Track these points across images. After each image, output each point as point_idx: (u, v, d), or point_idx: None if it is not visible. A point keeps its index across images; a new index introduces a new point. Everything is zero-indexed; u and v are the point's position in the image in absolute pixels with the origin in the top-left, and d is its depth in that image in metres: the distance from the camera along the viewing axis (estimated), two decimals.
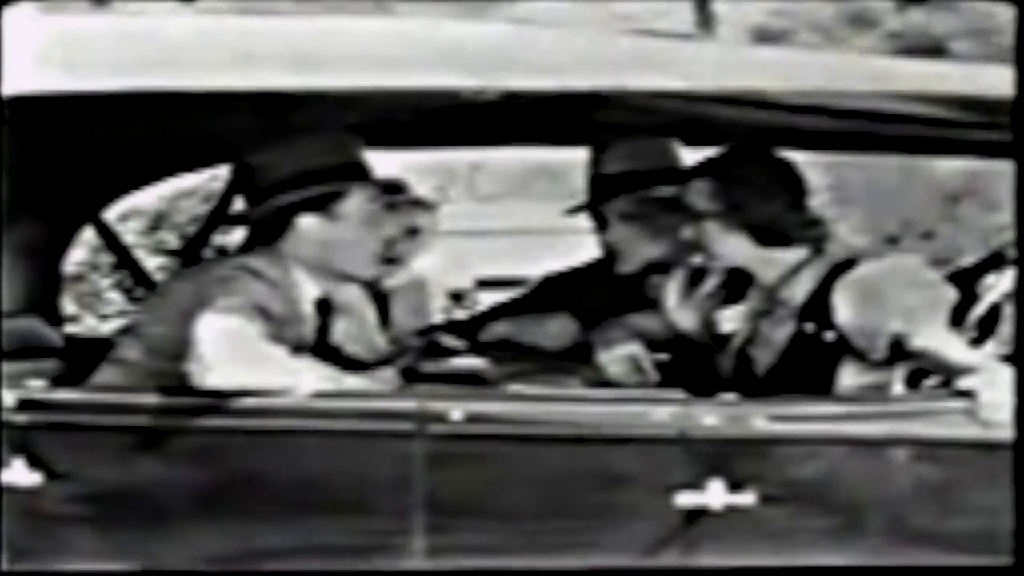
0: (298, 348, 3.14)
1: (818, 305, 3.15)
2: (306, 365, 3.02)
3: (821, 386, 3.12)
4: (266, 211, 3.21)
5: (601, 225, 3.87)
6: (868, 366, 3.12)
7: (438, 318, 4.36)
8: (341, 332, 3.75)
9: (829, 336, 3.13)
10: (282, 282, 3.17)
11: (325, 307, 3.35)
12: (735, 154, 3.28)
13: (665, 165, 3.78)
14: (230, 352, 2.87)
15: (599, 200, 3.84)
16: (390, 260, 4.11)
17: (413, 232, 4.13)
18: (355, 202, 3.26)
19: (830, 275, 3.16)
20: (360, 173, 3.28)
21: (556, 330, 3.88)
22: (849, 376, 3.13)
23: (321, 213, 3.22)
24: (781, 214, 3.19)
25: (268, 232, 3.24)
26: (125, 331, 3.36)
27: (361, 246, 3.29)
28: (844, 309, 3.11)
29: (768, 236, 3.20)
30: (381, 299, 4.10)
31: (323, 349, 3.33)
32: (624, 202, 3.79)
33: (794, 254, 3.22)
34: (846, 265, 3.17)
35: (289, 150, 3.21)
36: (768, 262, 3.23)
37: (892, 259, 3.23)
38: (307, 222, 3.21)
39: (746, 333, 3.31)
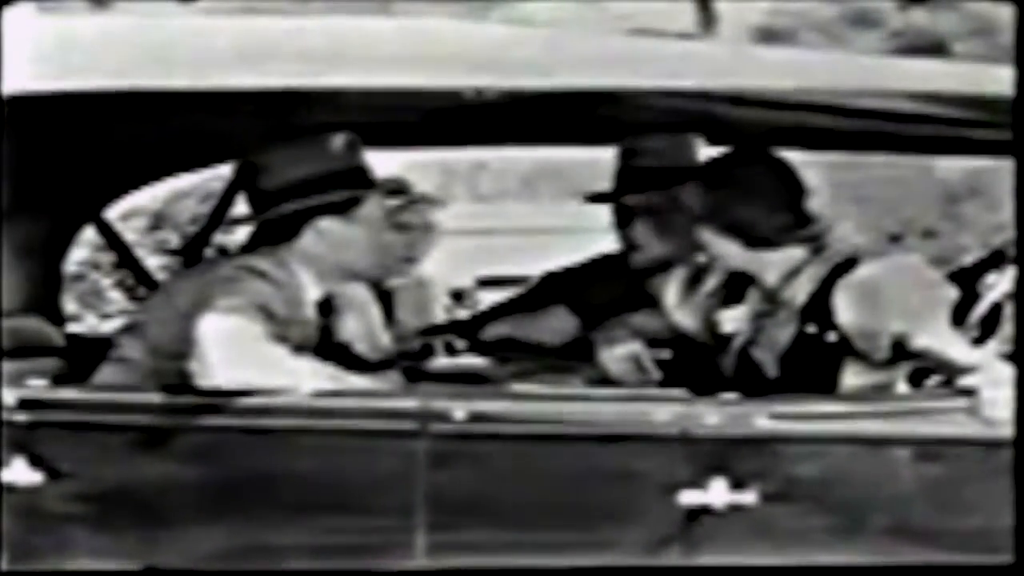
0: (302, 348, 3.14)
1: (819, 306, 3.15)
2: (308, 364, 3.02)
3: (824, 387, 3.12)
4: (279, 213, 3.22)
5: (623, 218, 3.86)
6: (871, 366, 3.12)
7: (441, 317, 4.37)
8: (347, 331, 3.75)
9: (831, 337, 3.12)
10: (286, 282, 3.17)
11: (327, 307, 3.35)
12: (729, 158, 3.27)
13: (689, 163, 3.78)
14: (232, 352, 2.88)
15: (625, 192, 3.84)
16: (410, 259, 4.13)
17: (428, 229, 4.14)
18: (372, 205, 3.28)
19: (831, 276, 3.16)
20: (368, 176, 3.30)
21: (555, 325, 3.88)
22: (852, 376, 3.13)
23: (341, 216, 3.23)
24: (777, 216, 3.18)
25: (277, 233, 3.24)
26: (126, 330, 3.36)
27: (375, 247, 3.33)
28: (845, 310, 3.11)
29: (763, 239, 3.19)
30: (385, 298, 4.11)
31: (327, 349, 3.33)
32: (650, 197, 3.79)
33: (794, 254, 3.21)
34: (847, 265, 3.16)
35: (296, 153, 3.22)
36: (768, 263, 3.22)
37: (893, 259, 3.23)
38: (326, 225, 3.23)
39: (748, 334, 3.31)
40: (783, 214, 3.19)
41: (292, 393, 2.91)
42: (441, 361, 3.82)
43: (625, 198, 3.83)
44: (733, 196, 3.18)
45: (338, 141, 3.25)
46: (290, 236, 3.23)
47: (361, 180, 3.28)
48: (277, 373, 2.92)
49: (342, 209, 3.24)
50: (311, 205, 3.20)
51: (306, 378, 2.94)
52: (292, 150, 3.22)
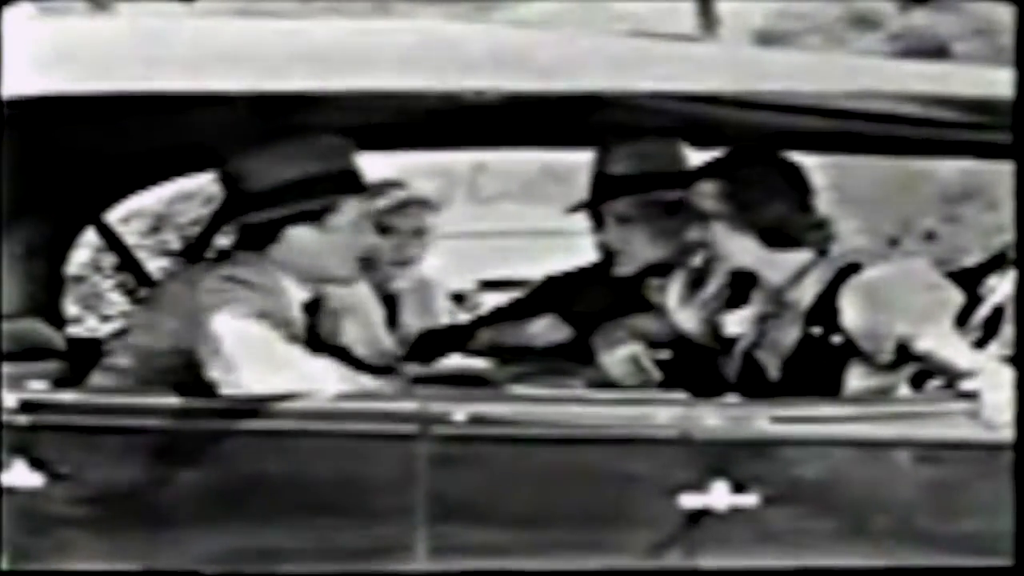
0: None
1: (825, 308, 3.14)
2: (323, 365, 3.01)
3: (828, 389, 3.11)
4: (259, 219, 3.20)
5: (599, 225, 3.85)
6: (875, 369, 3.12)
7: (445, 320, 4.36)
8: (349, 334, 3.75)
9: (836, 339, 3.12)
10: (271, 288, 3.15)
11: (313, 308, 3.34)
12: (741, 155, 3.26)
13: (671, 168, 3.77)
14: (255, 356, 2.87)
15: (600, 200, 3.82)
16: (402, 262, 4.12)
17: (421, 232, 4.14)
18: (348, 213, 3.24)
19: (837, 278, 3.15)
20: (353, 180, 3.26)
21: (539, 330, 3.87)
22: (856, 379, 3.13)
23: (314, 224, 3.20)
24: (789, 215, 3.18)
25: (256, 239, 3.22)
26: (116, 337, 3.35)
27: (347, 252, 3.28)
28: (851, 312, 3.10)
29: (776, 238, 3.19)
30: (389, 301, 4.11)
31: (329, 351, 3.32)
32: (625, 204, 3.78)
33: (800, 256, 3.21)
34: (853, 268, 3.16)
35: (279, 156, 3.19)
36: (774, 264, 3.22)
37: (899, 262, 3.23)
38: (299, 232, 3.20)
39: (752, 336, 3.30)
40: (804, 214, 3.20)
41: (312, 396, 2.91)
42: (442, 363, 3.81)
43: (608, 205, 3.80)
44: (757, 194, 3.17)
45: (323, 143, 3.22)
46: (265, 243, 3.21)
47: (343, 184, 3.23)
48: (297, 376, 2.92)
49: (315, 217, 3.20)
50: (286, 214, 3.18)
51: (323, 379, 2.94)
52: (274, 154, 3.20)
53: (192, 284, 3.11)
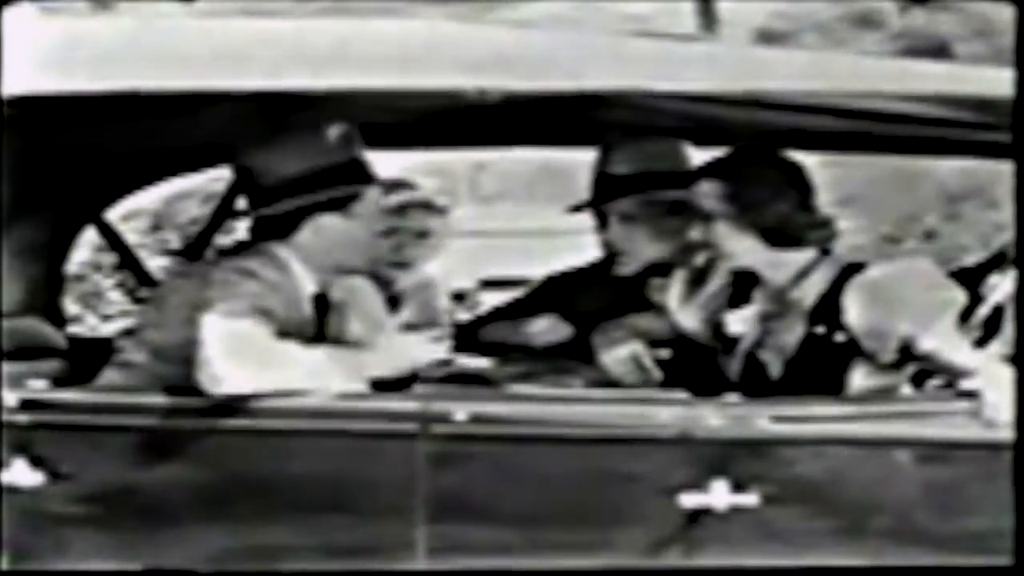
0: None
1: (828, 307, 3.14)
2: (327, 358, 3.01)
3: (831, 389, 3.11)
4: (281, 210, 3.21)
5: (602, 224, 3.86)
6: (878, 368, 3.12)
7: (448, 319, 4.36)
8: (355, 331, 3.75)
9: (839, 338, 3.12)
10: (280, 281, 3.16)
11: (323, 302, 3.34)
12: (743, 155, 3.27)
13: (673, 168, 3.77)
14: (239, 357, 2.86)
15: (603, 200, 3.83)
16: (401, 263, 4.12)
17: (423, 235, 4.13)
18: (370, 201, 3.28)
19: (840, 277, 3.15)
20: (365, 170, 3.29)
21: (540, 329, 3.88)
22: (859, 378, 3.12)
23: (340, 212, 3.23)
24: (791, 215, 3.18)
25: (274, 230, 3.24)
26: (128, 334, 3.35)
27: (369, 242, 3.33)
28: (855, 311, 3.10)
29: (779, 237, 3.19)
30: (394, 301, 4.10)
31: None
32: (627, 203, 3.78)
33: (804, 256, 3.21)
34: (856, 267, 3.16)
35: (293, 148, 3.21)
36: (778, 263, 3.21)
37: (903, 262, 3.23)
38: (327, 221, 3.22)
39: (755, 336, 3.30)
40: (806, 213, 3.20)
41: (293, 395, 2.91)
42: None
43: (611, 205, 3.81)
44: (760, 194, 3.17)
45: (334, 135, 3.24)
46: (287, 232, 3.23)
47: (359, 174, 3.27)
48: (293, 373, 2.92)
49: (342, 205, 3.23)
50: (313, 201, 3.20)
51: (324, 371, 2.94)
52: (285, 147, 3.21)
53: (202, 277, 3.12)
